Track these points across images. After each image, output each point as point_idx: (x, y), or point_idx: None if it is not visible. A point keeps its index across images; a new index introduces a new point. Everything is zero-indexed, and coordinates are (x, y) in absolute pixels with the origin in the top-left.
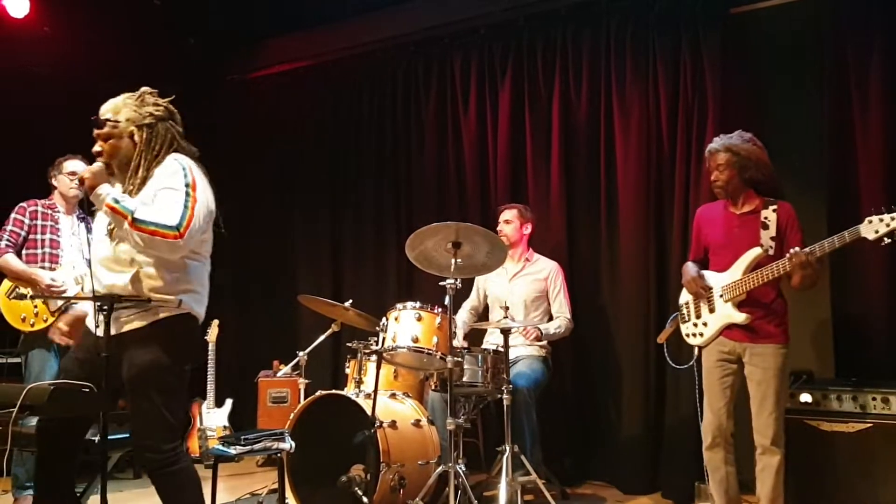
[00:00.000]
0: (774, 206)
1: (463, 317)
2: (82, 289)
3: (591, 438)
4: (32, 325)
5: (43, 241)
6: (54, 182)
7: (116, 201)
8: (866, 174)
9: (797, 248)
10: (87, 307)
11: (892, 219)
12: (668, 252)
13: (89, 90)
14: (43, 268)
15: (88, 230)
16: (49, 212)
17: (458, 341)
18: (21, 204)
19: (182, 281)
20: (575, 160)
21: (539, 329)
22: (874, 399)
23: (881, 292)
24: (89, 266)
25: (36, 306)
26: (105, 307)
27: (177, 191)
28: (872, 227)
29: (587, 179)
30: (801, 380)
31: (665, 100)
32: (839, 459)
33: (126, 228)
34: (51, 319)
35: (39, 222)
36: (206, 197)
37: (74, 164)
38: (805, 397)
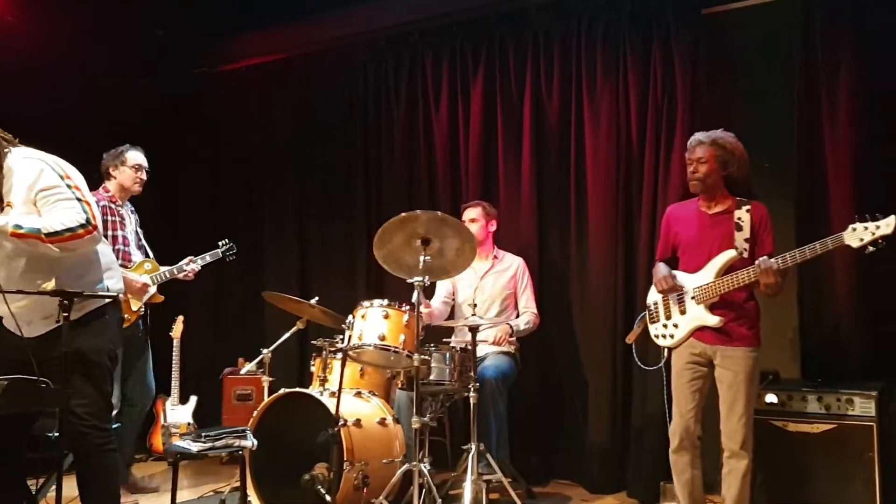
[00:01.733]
0: (748, 207)
1: (437, 304)
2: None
3: (558, 437)
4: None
5: (115, 237)
6: (114, 173)
7: (19, 227)
8: (835, 173)
9: (765, 258)
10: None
11: (878, 227)
12: (636, 251)
13: (57, 82)
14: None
15: (136, 222)
16: (113, 205)
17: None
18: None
19: (97, 266)
20: (546, 158)
21: (510, 326)
22: (839, 400)
23: (848, 294)
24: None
25: None
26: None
27: (58, 188)
28: (857, 235)
29: (558, 178)
30: (768, 380)
31: (635, 99)
32: (804, 460)
33: (37, 245)
34: (134, 318)
35: (110, 218)
36: (80, 178)
37: (139, 157)
38: (771, 398)
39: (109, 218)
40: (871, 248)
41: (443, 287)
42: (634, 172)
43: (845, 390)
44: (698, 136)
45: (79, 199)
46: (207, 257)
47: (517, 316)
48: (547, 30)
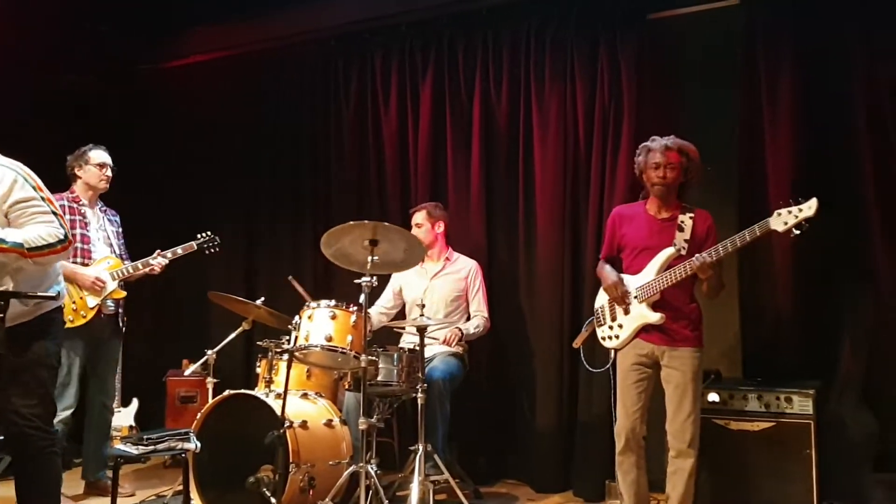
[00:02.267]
0: (692, 214)
1: (373, 313)
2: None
3: (505, 438)
4: (72, 322)
5: (73, 236)
6: (79, 173)
7: (3, 241)
8: (775, 178)
9: (699, 254)
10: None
11: (801, 210)
12: (583, 253)
13: None
14: (75, 263)
15: (110, 222)
16: (75, 205)
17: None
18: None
19: (53, 275)
20: (495, 160)
21: (460, 329)
22: (778, 399)
23: (788, 294)
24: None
25: (74, 303)
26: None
27: (33, 200)
28: (781, 220)
29: (506, 180)
30: (710, 379)
31: (582, 103)
32: (746, 458)
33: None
34: (90, 315)
35: (67, 217)
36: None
37: (102, 155)
38: (713, 397)
39: (68, 217)
40: (796, 232)
41: (385, 296)
42: (581, 175)
43: (784, 389)
44: (666, 141)
45: (54, 213)
46: (179, 250)
47: (467, 319)
48: (496, 32)
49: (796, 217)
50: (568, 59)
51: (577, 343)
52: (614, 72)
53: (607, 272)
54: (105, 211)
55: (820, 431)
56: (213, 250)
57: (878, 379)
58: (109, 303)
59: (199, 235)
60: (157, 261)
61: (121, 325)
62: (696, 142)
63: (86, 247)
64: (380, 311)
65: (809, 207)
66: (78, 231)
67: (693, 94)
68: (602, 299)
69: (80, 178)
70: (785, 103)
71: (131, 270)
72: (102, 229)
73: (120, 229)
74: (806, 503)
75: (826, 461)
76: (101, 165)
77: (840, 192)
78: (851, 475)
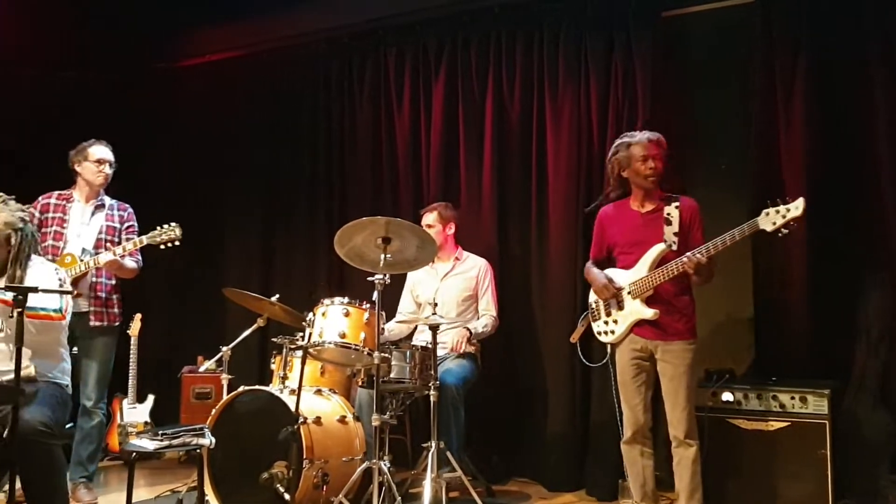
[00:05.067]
0: (677, 204)
1: (391, 325)
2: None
3: (518, 436)
4: None
5: (46, 233)
6: (78, 168)
7: None
8: (789, 174)
9: (690, 253)
10: None
11: (788, 210)
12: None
13: (13, 77)
14: (46, 258)
15: (109, 216)
16: (62, 203)
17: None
18: (39, 198)
19: None
20: (508, 159)
21: (468, 329)
22: (793, 398)
23: (802, 293)
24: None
25: None
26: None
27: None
28: (770, 220)
29: (519, 178)
30: (724, 379)
31: (596, 100)
32: (761, 458)
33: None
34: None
35: (50, 215)
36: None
37: (102, 151)
38: (727, 396)
39: (50, 214)
40: (784, 231)
41: (405, 300)
42: (595, 174)
43: (799, 388)
44: (647, 134)
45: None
46: (129, 245)
47: (478, 318)
48: (510, 30)
49: (784, 217)
50: (581, 57)
51: (573, 338)
52: (628, 70)
53: (595, 274)
54: (102, 206)
55: (835, 431)
56: (171, 245)
57: (895, 378)
58: (81, 302)
59: (157, 228)
60: (106, 257)
61: (105, 324)
62: (710, 140)
63: (56, 244)
64: (398, 321)
65: (797, 207)
66: (53, 229)
67: (707, 91)
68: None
69: (80, 173)
70: (800, 102)
71: (83, 269)
72: (87, 224)
73: (126, 224)
74: (821, 503)
75: (841, 461)
76: (99, 161)
77: (856, 190)
78: (867, 475)
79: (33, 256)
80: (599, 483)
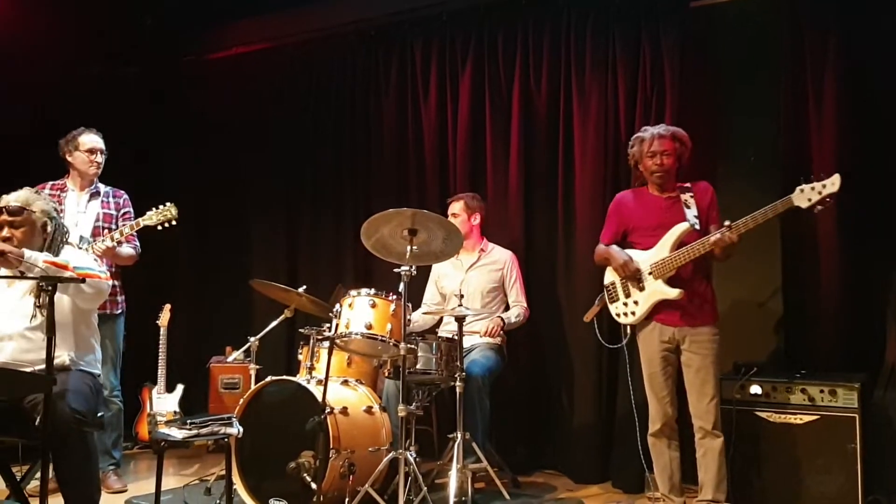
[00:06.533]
0: (691, 193)
1: (416, 316)
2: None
3: (544, 427)
4: None
5: None
6: (69, 158)
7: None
8: (819, 167)
9: (720, 232)
10: None
11: (824, 186)
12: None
13: (43, 71)
14: None
15: (104, 203)
16: (56, 193)
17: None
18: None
19: None
20: (534, 150)
21: (502, 318)
22: (822, 391)
23: (833, 285)
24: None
25: None
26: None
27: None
28: (805, 196)
29: (546, 169)
30: (752, 371)
31: (624, 91)
32: (790, 451)
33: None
34: None
35: None
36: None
37: (93, 139)
38: (755, 389)
39: None
40: (819, 208)
41: (430, 291)
42: (622, 164)
43: (829, 381)
44: (659, 130)
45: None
46: (125, 229)
47: (505, 310)
48: (536, 21)
49: (820, 193)
50: (609, 47)
51: (587, 317)
52: (656, 60)
53: (615, 251)
54: (97, 194)
55: (865, 425)
56: (167, 225)
57: None
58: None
59: (153, 209)
60: (104, 244)
61: (107, 311)
62: (739, 130)
63: None
64: (424, 312)
65: (833, 184)
66: None
67: (736, 82)
68: (612, 275)
69: (70, 163)
70: (830, 92)
71: None
72: (83, 213)
73: (123, 211)
74: (851, 498)
75: (872, 456)
76: (91, 151)
77: (889, 182)
78: None
79: (65, 247)
80: (625, 475)
